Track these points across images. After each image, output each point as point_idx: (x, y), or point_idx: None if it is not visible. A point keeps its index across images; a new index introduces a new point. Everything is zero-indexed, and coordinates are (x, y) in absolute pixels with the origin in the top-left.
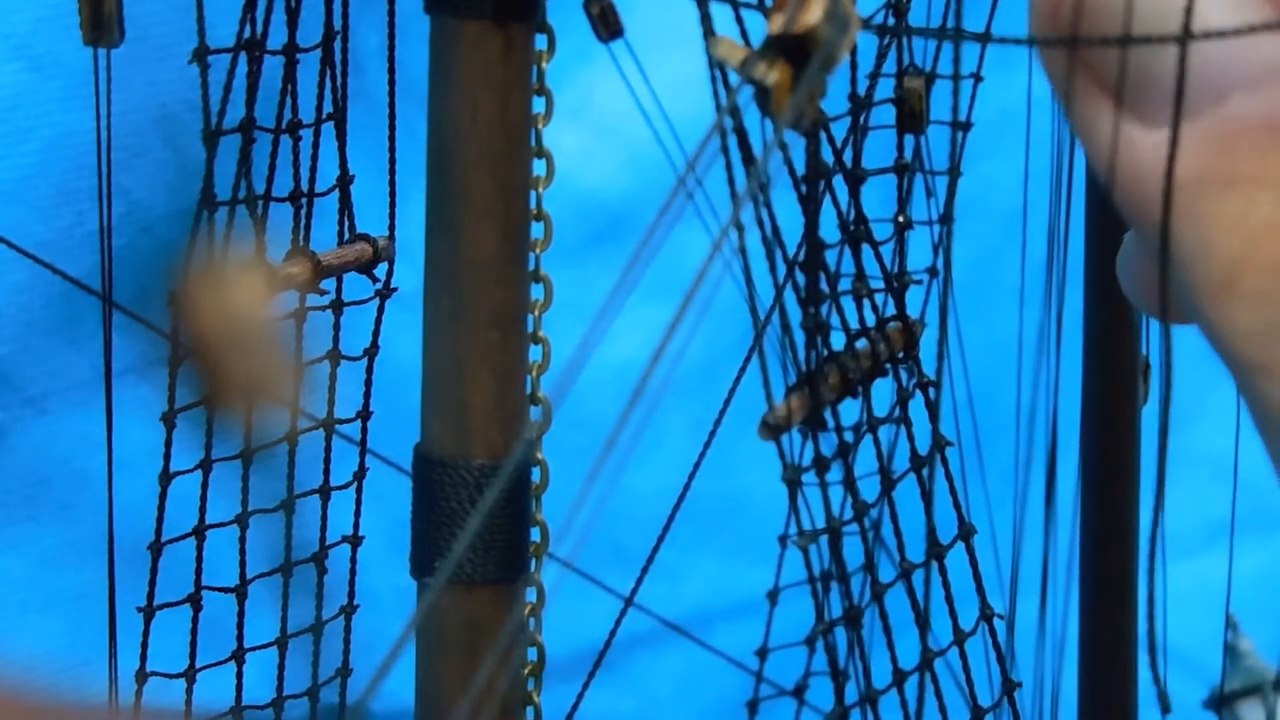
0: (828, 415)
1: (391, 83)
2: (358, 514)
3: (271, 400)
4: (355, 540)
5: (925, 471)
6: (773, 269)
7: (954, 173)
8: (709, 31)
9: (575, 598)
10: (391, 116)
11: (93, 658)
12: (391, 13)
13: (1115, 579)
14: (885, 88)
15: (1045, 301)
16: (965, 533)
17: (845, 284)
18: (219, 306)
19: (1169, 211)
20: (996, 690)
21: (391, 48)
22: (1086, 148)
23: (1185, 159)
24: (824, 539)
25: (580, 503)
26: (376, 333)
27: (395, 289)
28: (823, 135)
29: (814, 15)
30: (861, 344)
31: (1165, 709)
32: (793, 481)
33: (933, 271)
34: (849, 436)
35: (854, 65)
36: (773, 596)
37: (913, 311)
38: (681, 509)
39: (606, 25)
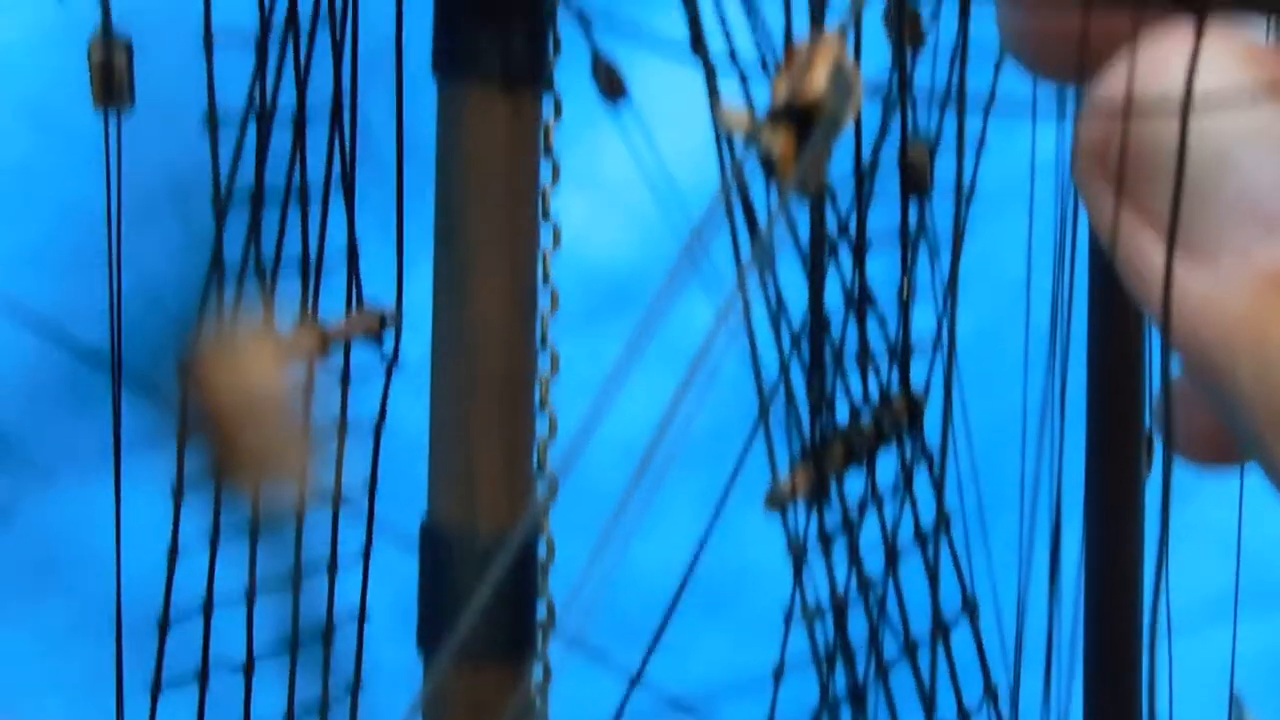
0: (832, 488)
1: (399, 149)
2: (364, 591)
3: (281, 472)
4: (362, 617)
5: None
6: (778, 339)
7: (958, 240)
8: (715, 98)
9: (581, 674)
10: (399, 182)
11: None
12: (399, 79)
13: (1119, 653)
14: (890, 154)
15: (1049, 371)
16: (969, 609)
17: (850, 353)
18: (230, 379)
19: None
20: None
21: (399, 113)
22: (1138, 293)
23: (1237, 294)
24: (829, 614)
25: (586, 577)
26: (383, 403)
27: (402, 358)
28: (827, 202)
29: (819, 84)
30: (866, 415)
31: None
32: (797, 555)
33: (937, 341)
34: (853, 509)
35: (858, 132)
36: (778, 674)
37: (917, 381)
38: (688, 583)
39: (612, 89)
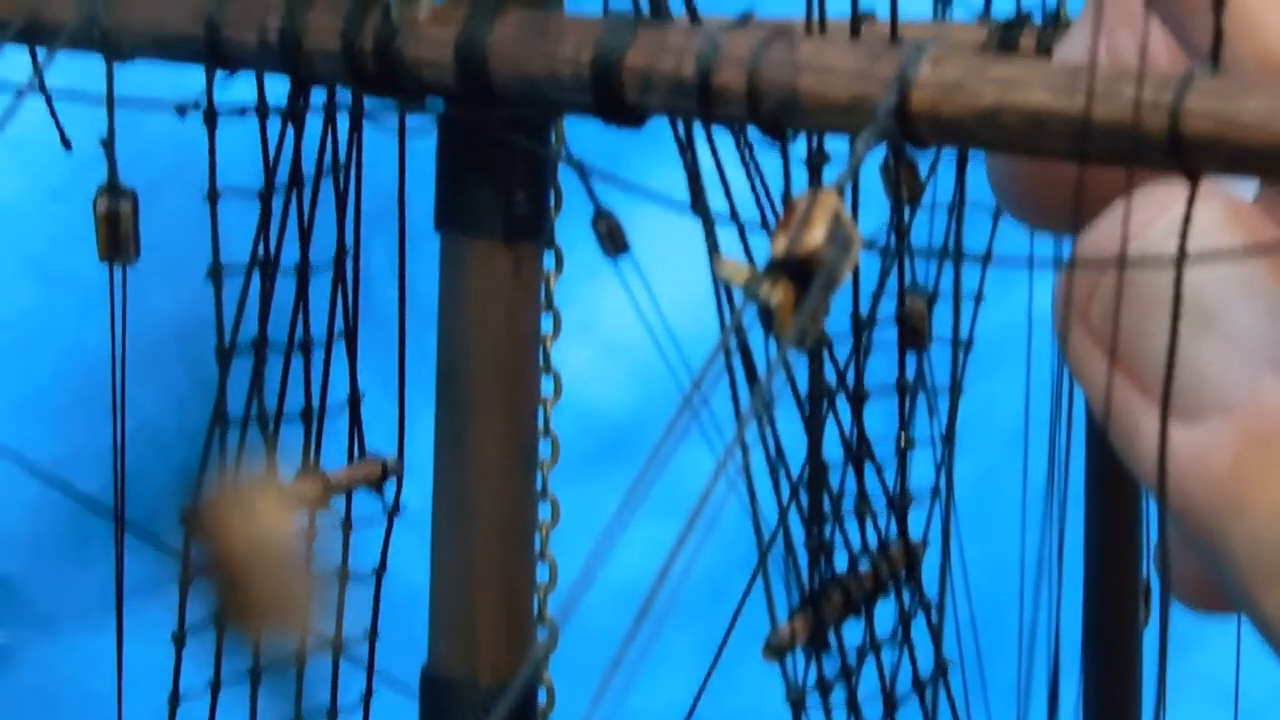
0: (831, 636)
1: (401, 301)
2: None
3: (285, 619)
4: None
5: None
6: (776, 489)
7: (955, 391)
8: (714, 251)
9: None
10: (401, 335)
11: None
12: (402, 232)
13: None
14: (887, 306)
15: (1046, 521)
16: None
17: (848, 504)
18: (236, 527)
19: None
20: None
21: (401, 266)
22: (1122, 448)
23: (1223, 454)
24: None
25: None
26: (384, 552)
27: (403, 508)
28: (825, 355)
29: (817, 237)
30: (864, 565)
31: None
32: (796, 703)
33: (935, 491)
34: (852, 658)
35: (856, 285)
36: None
37: (915, 531)
38: None
39: (613, 242)
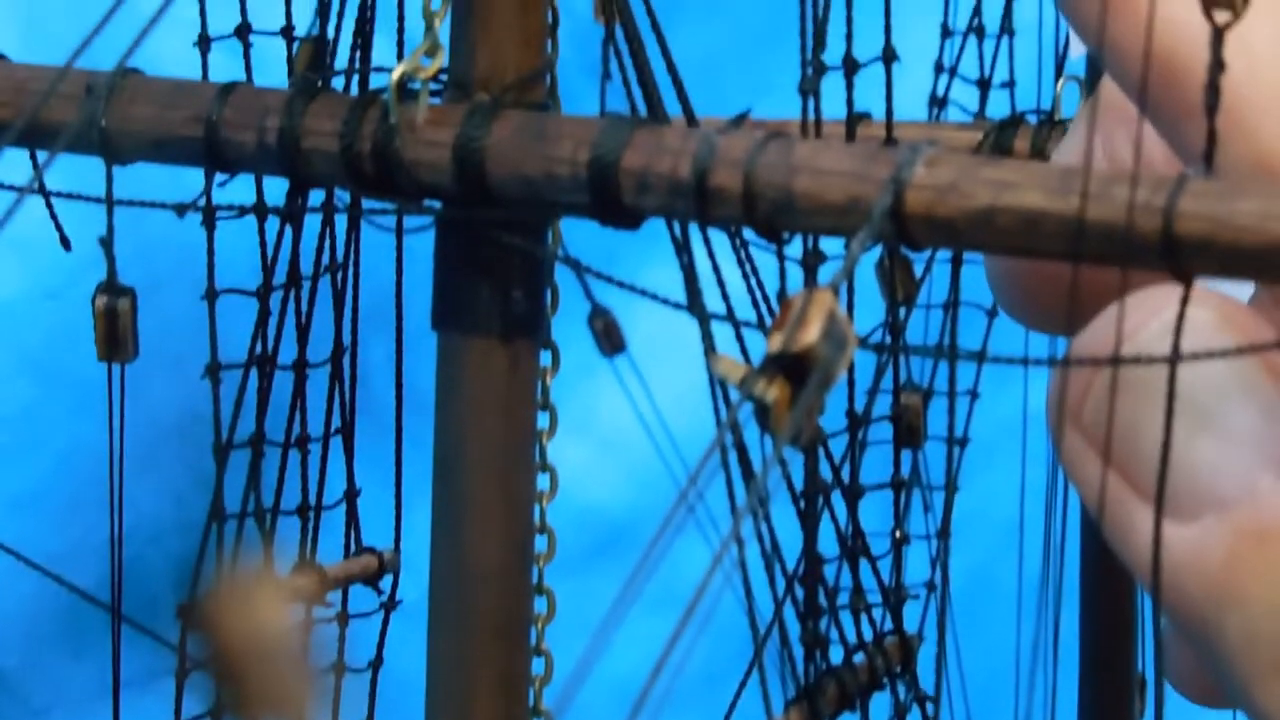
0: None
1: (398, 398)
2: None
3: (281, 713)
4: None
5: None
6: (772, 583)
7: (950, 488)
8: (710, 348)
9: None
10: (398, 431)
11: None
12: (399, 329)
13: None
14: (883, 404)
15: (1041, 615)
16: None
17: (844, 598)
18: (233, 621)
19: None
20: None
21: (399, 363)
22: (1117, 545)
23: (1218, 550)
24: None
25: None
26: (381, 645)
27: (400, 601)
28: (821, 451)
29: (812, 334)
30: (859, 658)
31: None
32: None
33: (930, 585)
34: None
35: (852, 382)
36: None
37: (910, 625)
38: None
39: (610, 341)
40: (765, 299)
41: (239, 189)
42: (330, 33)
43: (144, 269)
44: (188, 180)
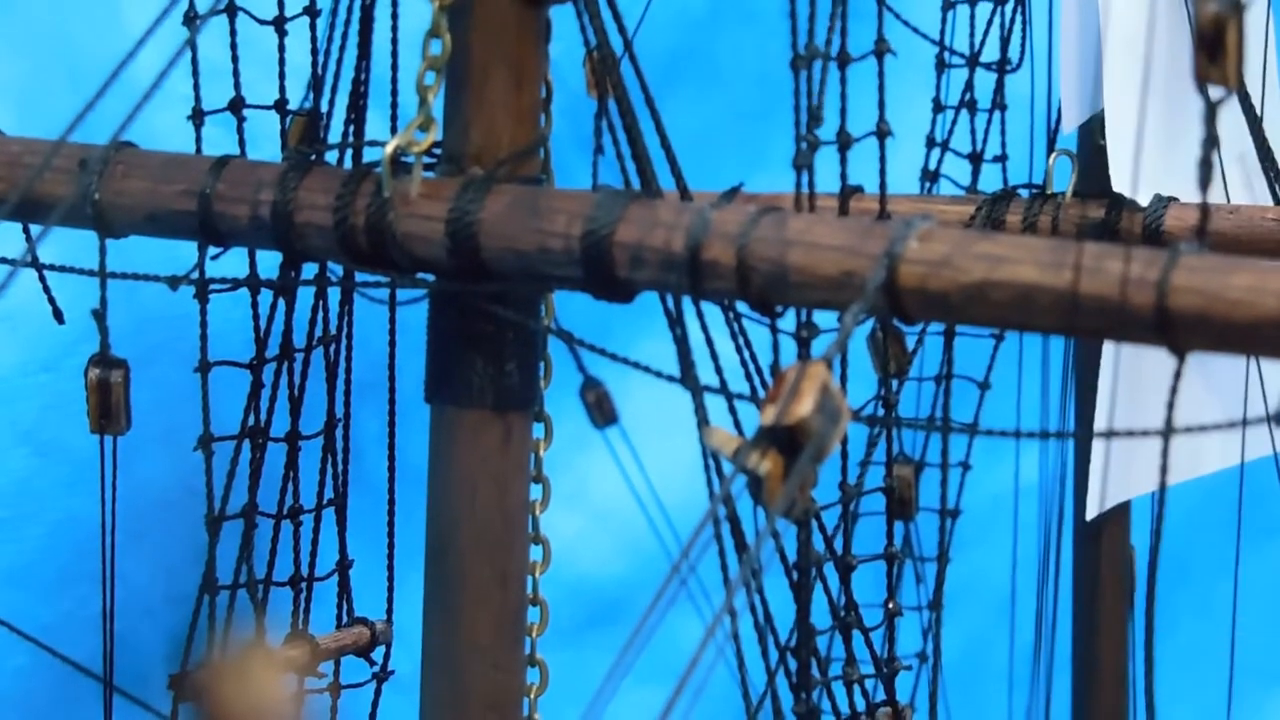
0: None
1: (391, 469)
2: None
3: None
4: None
5: None
6: (765, 655)
7: (943, 560)
8: (703, 421)
9: None
10: (391, 503)
11: None
12: (392, 402)
13: None
14: (875, 476)
15: (1033, 688)
16: None
17: (836, 669)
18: (225, 692)
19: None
20: None
21: (392, 435)
22: None
23: None
24: None
25: None
26: (373, 716)
27: (392, 672)
28: (814, 523)
29: (805, 408)
30: None
31: None
32: None
33: (922, 657)
34: None
35: (844, 454)
36: None
37: (903, 697)
38: None
39: (602, 413)
40: (759, 371)
41: (232, 259)
42: (324, 105)
43: (137, 341)
44: (181, 251)
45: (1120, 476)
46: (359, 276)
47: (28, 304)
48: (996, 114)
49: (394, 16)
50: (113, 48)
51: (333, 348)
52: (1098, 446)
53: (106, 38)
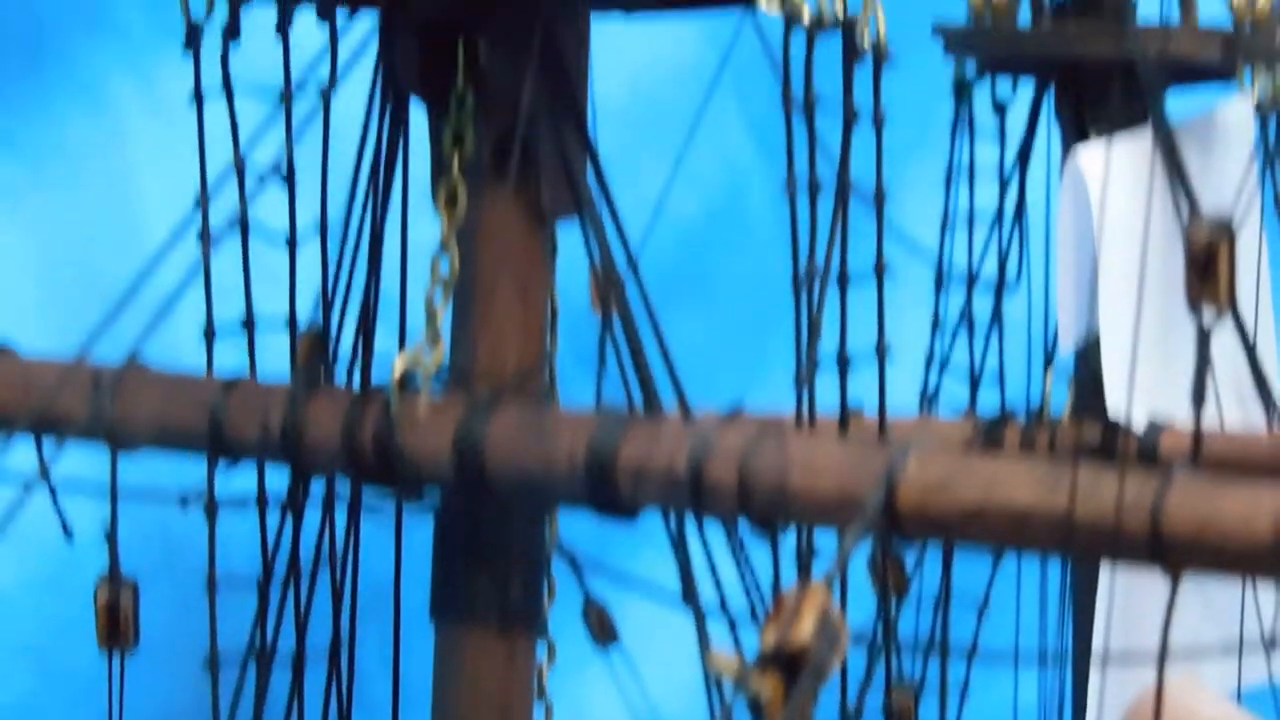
0: None
1: (395, 689)
2: None
3: None
4: None
5: None
6: None
7: None
8: (704, 644)
9: None
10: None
11: None
12: (396, 621)
13: None
14: (875, 699)
15: None
16: None
17: None
18: None
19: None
20: None
21: (396, 655)
22: None
23: None
24: None
25: None
26: None
27: None
28: None
29: (806, 631)
30: None
31: None
32: None
33: None
34: None
35: (844, 677)
36: None
37: None
38: None
39: (603, 632)
40: (759, 593)
41: (240, 478)
42: (334, 323)
43: (143, 557)
44: (189, 469)
45: (1117, 699)
46: (365, 494)
47: (34, 521)
48: (994, 330)
49: (403, 233)
50: (134, 264)
51: (339, 567)
52: (1096, 668)
53: (128, 254)
